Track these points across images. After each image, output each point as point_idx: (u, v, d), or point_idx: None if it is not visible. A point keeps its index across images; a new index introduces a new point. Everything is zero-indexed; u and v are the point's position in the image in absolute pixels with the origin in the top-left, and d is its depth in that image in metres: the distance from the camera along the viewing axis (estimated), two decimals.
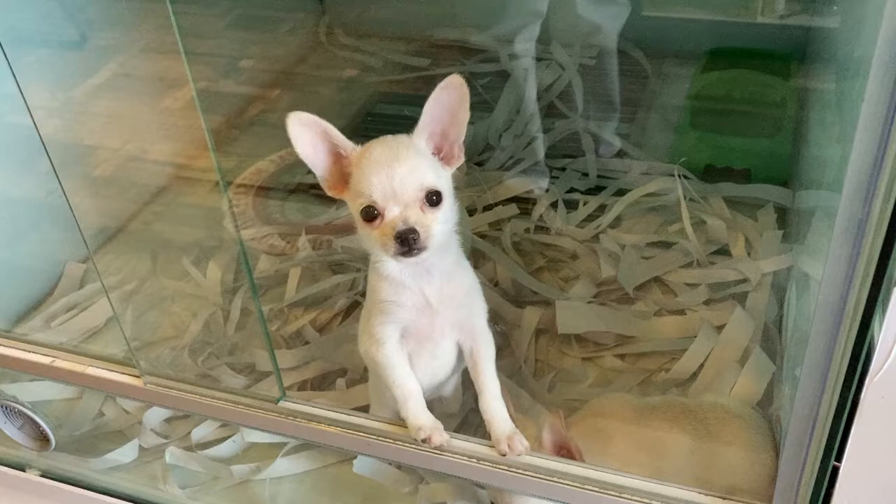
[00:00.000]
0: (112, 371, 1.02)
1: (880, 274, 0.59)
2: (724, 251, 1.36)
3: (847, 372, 0.63)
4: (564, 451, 0.91)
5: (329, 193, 0.86)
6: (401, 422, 0.91)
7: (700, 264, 1.34)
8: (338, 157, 0.85)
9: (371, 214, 0.81)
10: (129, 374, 1.01)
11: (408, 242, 0.80)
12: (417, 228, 0.80)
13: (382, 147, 0.83)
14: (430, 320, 0.90)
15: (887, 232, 0.57)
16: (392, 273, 0.88)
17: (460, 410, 1.07)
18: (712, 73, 1.66)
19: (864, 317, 0.60)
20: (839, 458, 0.70)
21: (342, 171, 0.85)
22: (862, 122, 0.55)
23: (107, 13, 1.47)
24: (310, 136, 0.83)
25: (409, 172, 0.80)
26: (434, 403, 1.00)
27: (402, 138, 0.84)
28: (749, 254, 1.34)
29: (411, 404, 0.90)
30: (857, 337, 0.62)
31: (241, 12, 1.97)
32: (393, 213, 0.81)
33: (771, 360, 1.12)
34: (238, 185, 1.66)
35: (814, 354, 0.63)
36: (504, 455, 0.88)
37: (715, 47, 1.70)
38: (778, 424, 0.99)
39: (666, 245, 1.39)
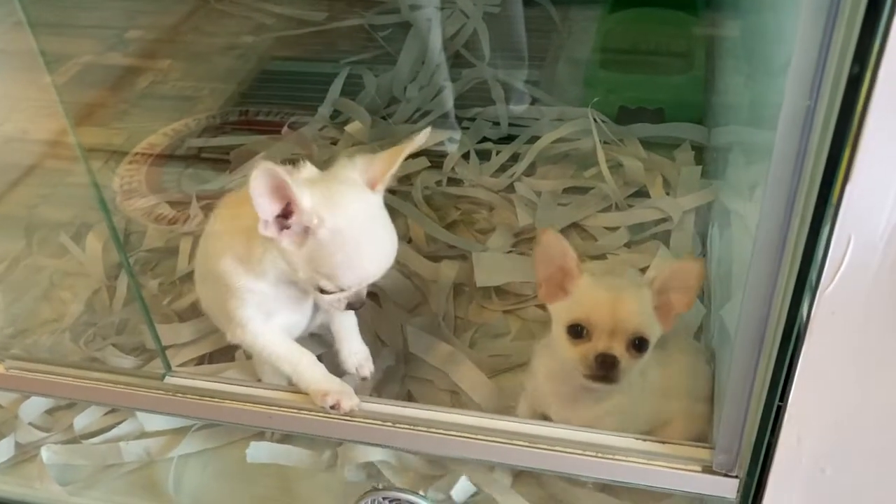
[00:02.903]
0: None
1: (830, 174, 0.52)
2: (642, 193, 1.32)
3: (795, 289, 0.57)
4: (559, 271, 0.85)
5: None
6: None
7: (619, 207, 1.29)
8: None
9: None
10: None
11: None
12: None
13: None
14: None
15: (836, 123, 0.50)
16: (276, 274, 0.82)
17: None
18: (618, 14, 1.62)
19: (812, 223, 0.54)
20: (783, 397, 0.64)
21: None
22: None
23: None
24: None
25: None
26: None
27: None
28: (668, 193, 1.30)
29: (305, 371, 0.82)
30: (806, 248, 0.55)
31: None
32: None
33: (699, 300, 1.07)
34: (130, 161, 1.55)
35: (759, 269, 0.57)
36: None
37: None
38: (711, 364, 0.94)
39: (583, 190, 1.33)
